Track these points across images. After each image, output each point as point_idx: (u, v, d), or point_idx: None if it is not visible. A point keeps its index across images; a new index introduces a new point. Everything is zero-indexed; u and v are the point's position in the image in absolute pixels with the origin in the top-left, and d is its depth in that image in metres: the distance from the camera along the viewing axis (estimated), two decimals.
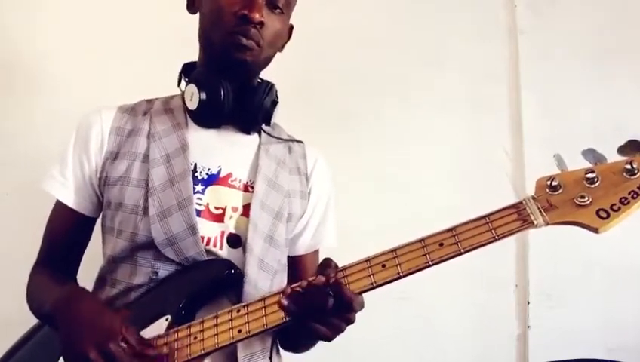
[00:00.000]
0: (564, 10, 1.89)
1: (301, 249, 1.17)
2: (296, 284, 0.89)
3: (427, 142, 1.83)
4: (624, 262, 1.76)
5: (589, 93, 1.84)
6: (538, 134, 1.81)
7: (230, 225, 1.04)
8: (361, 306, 0.88)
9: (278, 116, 1.14)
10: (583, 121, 1.81)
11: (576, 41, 1.87)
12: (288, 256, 1.15)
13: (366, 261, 0.88)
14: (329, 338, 0.90)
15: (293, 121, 1.21)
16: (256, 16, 1.01)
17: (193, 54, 1.14)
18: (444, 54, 1.87)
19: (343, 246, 1.15)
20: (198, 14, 1.11)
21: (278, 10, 1.07)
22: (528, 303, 1.79)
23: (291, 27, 1.16)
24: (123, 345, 0.87)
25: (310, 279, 0.88)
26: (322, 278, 0.85)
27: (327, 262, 0.89)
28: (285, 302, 0.87)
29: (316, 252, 1.19)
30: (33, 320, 1.09)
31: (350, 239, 1.22)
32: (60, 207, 1.10)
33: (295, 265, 1.17)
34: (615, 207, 0.79)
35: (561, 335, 1.75)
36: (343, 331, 0.89)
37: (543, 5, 1.90)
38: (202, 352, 0.91)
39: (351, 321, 0.88)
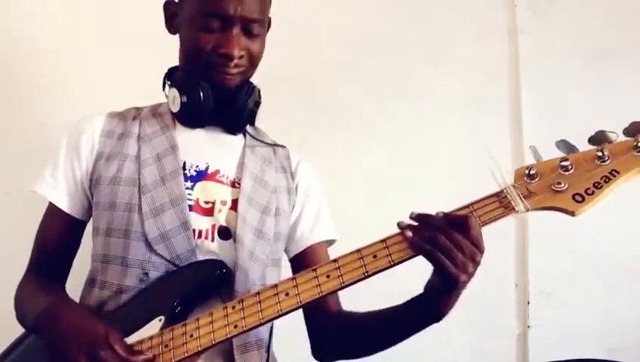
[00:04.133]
0: (564, 10, 1.89)
1: (302, 242, 1.17)
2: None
3: (427, 141, 1.83)
4: (624, 262, 1.75)
5: (588, 93, 1.84)
6: (538, 134, 1.81)
7: (220, 218, 1.07)
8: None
9: (276, 115, 1.15)
10: (583, 120, 1.80)
11: (576, 41, 1.87)
12: (295, 255, 1.17)
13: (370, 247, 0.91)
14: (457, 277, 0.84)
15: (292, 120, 1.21)
16: (236, 52, 1.03)
17: None
18: (445, 54, 1.87)
19: (342, 246, 1.14)
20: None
21: (254, 34, 1.07)
22: (528, 303, 1.79)
23: (269, 20, 1.14)
24: (110, 351, 0.87)
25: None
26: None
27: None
28: (410, 234, 0.87)
29: (322, 246, 1.18)
30: None
31: (350, 239, 1.22)
32: (51, 212, 1.11)
33: (302, 261, 1.16)
34: (589, 191, 0.84)
35: (561, 334, 1.75)
36: (469, 272, 0.84)
37: (543, 5, 1.90)
38: (199, 349, 0.91)
39: (477, 261, 0.85)
